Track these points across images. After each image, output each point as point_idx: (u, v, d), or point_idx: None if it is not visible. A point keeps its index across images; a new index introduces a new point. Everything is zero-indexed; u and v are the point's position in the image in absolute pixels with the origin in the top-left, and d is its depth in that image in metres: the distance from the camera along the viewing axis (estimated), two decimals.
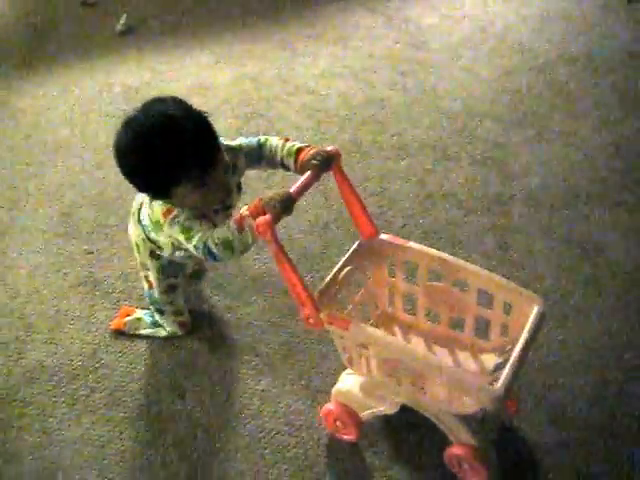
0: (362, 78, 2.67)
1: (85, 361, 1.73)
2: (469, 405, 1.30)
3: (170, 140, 1.32)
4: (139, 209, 1.57)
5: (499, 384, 1.22)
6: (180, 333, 1.76)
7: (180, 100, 1.40)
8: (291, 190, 1.32)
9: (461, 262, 1.44)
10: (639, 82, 2.62)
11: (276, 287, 1.86)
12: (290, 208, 1.29)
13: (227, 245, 1.32)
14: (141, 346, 1.76)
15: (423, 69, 2.70)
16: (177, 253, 1.54)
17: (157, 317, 1.76)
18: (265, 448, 1.55)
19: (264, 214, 1.26)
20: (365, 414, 1.48)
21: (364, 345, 1.34)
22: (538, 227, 2.05)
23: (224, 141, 1.47)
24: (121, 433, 1.58)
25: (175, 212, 1.40)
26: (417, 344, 1.51)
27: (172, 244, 1.49)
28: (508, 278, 1.83)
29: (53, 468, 1.53)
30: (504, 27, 2.95)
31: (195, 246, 1.36)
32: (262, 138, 1.50)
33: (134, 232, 1.62)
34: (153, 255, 1.61)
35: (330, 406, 1.51)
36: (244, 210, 1.30)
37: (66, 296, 1.90)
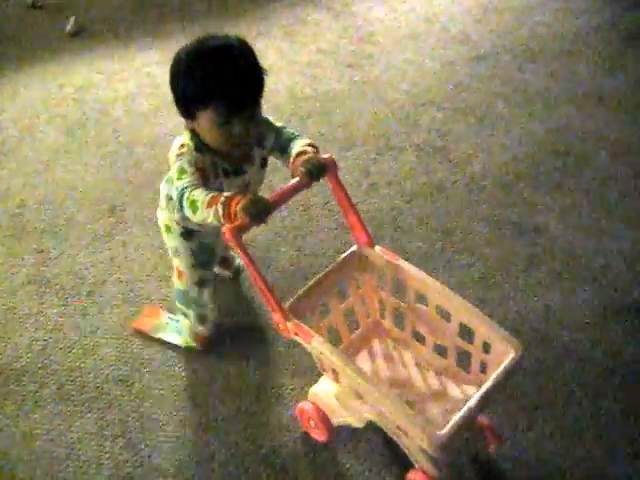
0: (308, 72, 2.71)
1: (34, 357, 1.75)
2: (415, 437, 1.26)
3: (214, 64, 1.31)
4: (166, 179, 1.56)
5: (444, 431, 1.18)
6: (196, 346, 1.73)
7: (246, 42, 1.37)
8: (270, 197, 1.28)
9: (447, 291, 1.40)
10: (578, 69, 2.70)
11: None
12: (263, 220, 1.25)
13: (193, 206, 1.29)
14: (90, 341, 1.78)
15: (369, 61, 2.75)
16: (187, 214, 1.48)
17: (178, 325, 1.74)
18: (215, 438, 1.58)
19: (235, 216, 1.24)
20: (336, 420, 1.48)
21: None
22: (480, 211, 2.11)
23: (270, 118, 1.48)
24: (70, 427, 1.61)
25: (184, 149, 1.38)
26: (407, 362, 1.50)
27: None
28: (450, 262, 1.93)
29: (2, 463, 1.55)
30: (448, 19, 3.01)
31: (177, 187, 1.33)
32: (298, 135, 1.46)
33: (164, 214, 1.59)
34: (185, 236, 1.57)
35: (305, 405, 1.52)
36: (224, 196, 1.26)
37: (15, 294, 1.91)
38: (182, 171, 1.35)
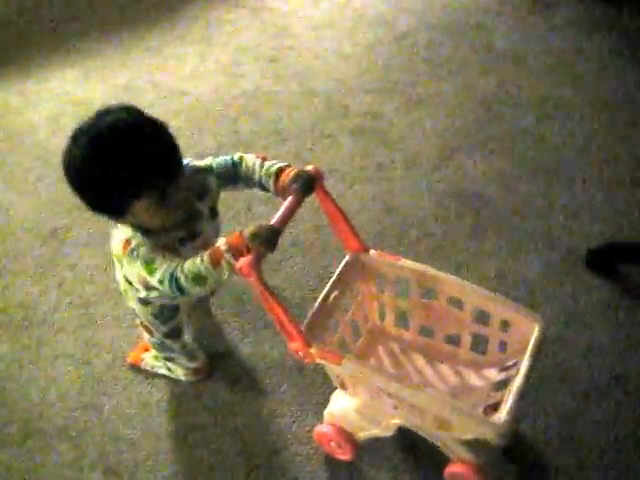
0: (232, 72, 2.68)
1: None
2: (470, 433, 1.26)
3: (129, 149, 1.18)
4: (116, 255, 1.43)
5: (503, 418, 1.16)
6: (196, 380, 1.66)
7: (133, 108, 1.26)
8: (273, 221, 1.21)
9: (456, 279, 1.40)
10: (495, 40, 2.76)
11: None
12: (275, 244, 1.18)
13: (198, 280, 1.19)
14: (50, 371, 1.73)
15: (290, 54, 2.74)
16: (152, 294, 1.40)
17: (168, 364, 1.65)
18: (196, 446, 1.56)
19: (247, 251, 1.16)
20: (361, 435, 1.44)
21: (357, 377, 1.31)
22: (421, 187, 2.14)
23: (192, 162, 1.37)
24: (42, 461, 1.55)
25: (133, 243, 1.26)
26: (418, 362, 1.48)
27: (142, 281, 1.31)
28: (400, 239, 1.96)
29: None
30: (362, 3, 3.04)
31: (160, 280, 1.22)
32: (236, 156, 1.38)
33: (120, 280, 1.47)
34: (142, 302, 1.47)
35: (323, 428, 1.47)
36: (222, 244, 1.18)
37: None
38: (150, 263, 1.23)
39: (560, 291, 1.84)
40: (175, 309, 1.53)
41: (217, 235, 1.44)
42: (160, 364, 1.68)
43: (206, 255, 1.19)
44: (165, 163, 1.23)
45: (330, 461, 1.51)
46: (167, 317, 1.52)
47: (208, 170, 1.38)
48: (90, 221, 2.07)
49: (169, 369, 1.67)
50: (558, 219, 2.03)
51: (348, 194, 2.12)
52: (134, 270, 1.27)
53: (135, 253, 1.25)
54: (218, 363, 1.71)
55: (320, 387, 1.63)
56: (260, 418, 1.60)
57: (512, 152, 2.25)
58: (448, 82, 2.56)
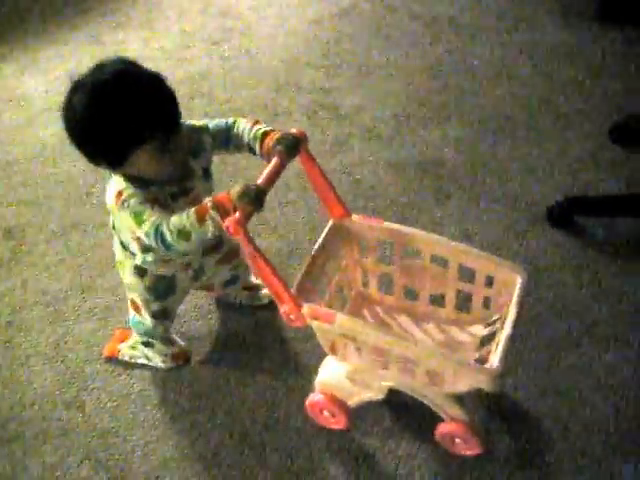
0: (177, 56, 2.64)
1: None
2: (462, 385, 1.28)
3: (133, 97, 1.19)
4: (113, 225, 1.45)
5: (496, 363, 1.19)
6: (175, 366, 1.65)
7: (131, 61, 1.26)
8: (259, 182, 1.22)
9: (439, 238, 1.41)
10: (438, 8, 2.79)
11: None
12: (262, 203, 1.19)
13: (183, 234, 1.21)
14: (24, 372, 1.68)
15: (235, 34, 2.71)
16: (148, 258, 1.41)
17: (146, 351, 1.63)
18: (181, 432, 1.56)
19: (233, 210, 1.18)
20: (353, 401, 1.44)
21: (349, 336, 1.30)
22: (380, 157, 2.16)
23: (188, 121, 1.37)
24: (26, 465, 1.51)
25: (125, 194, 1.27)
26: (404, 323, 1.48)
27: (137, 241, 1.36)
28: (365, 210, 1.98)
29: None
30: None
31: (146, 232, 1.24)
32: (231, 120, 1.39)
33: (118, 249, 1.48)
34: (138, 272, 1.47)
35: (315, 397, 1.46)
36: (208, 201, 1.20)
37: None
38: (139, 214, 1.25)
39: (525, 248, 1.88)
40: (171, 287, 1.51)
41: (210, 194, 1.41)
42: (138, 353, 1.66)
43: (192, 211, 1.20)
44: (168, 112, 1.25)
45: (323, 431, 1.52)
46: (161, 293, 1.51)
47: (204, 129, 1.38)
48: (47, 217, 2.02)
49: (147, 357, 1.65)
50: (516, 178, 2.07)
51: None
52: (125, 222, 1.30)
53: (126, 204, 1.26)
54: (197, 347, 1.70)
55: (304, 358, 1.64)
56: (247, 397, 1.60)
57: (466, 117, 2.29)
58: (396, 53, 2.58)
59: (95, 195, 2.10)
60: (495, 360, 1.20)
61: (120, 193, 1.28)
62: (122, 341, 1.68)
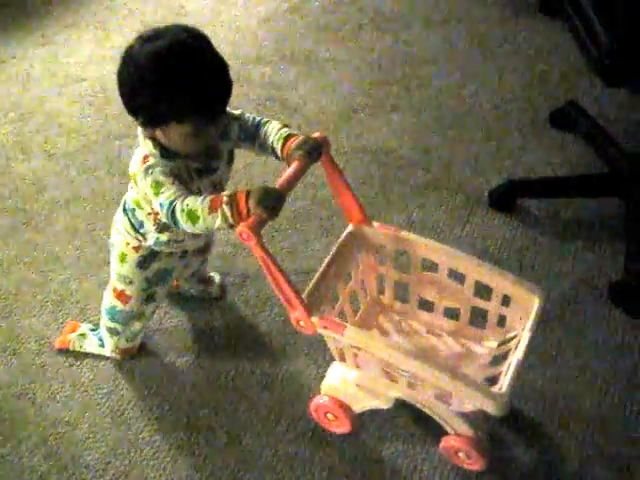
0: None
1: None
2: (469, 405, 1.29)
3: (200, 73, 1.20)
4: (124, 203, 1.45)
5: (504, 388, 1.19)
6: (120, 358, 1.67)
7: (206, 36, 1.27)
8: (278, 185, 1.19)
9: (457, 252, 1.40)
10: (383, 3, 2.84)
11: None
12: (279, 211, 1.16)
13: (192, 216, 1.19)
14: None
15: None
16: (162, 237, 1.41)
17: (105, 337, 1.63)
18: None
19: (247, 214, 1.15)
20: (358, 407, 1.44)
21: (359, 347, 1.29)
22: None
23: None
24: None
25: (151, 161, 1.26)
26: (420, 331, 1.49)
27: (152, 217, 1.36)
28: (312, 200, 2.02)
29: None
30: None
31: (161, 203, 1.23)
32: (264, 119, 1.38)
33: (121, 240, 1.48)
34: (141, 265, 1.48)
35: (320, 400, 1.46)
36: (225, 195, 1.18)
37: None
38: (159, 184, 1.24)
39: (468, 232, 1.94)
40: (168, 276, 1.54)
41: (228, 180, 1.45)
42: (89, 340, 1.68)
43: (208, 199, 1.19)
44: (223, 99, 1.25)
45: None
46: (158, 282, 1.54)
47: (234, 116, 1.37)
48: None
49: (100, 343, 1.67)
50: (460, 164, 2.14)
51: (256, 163, 2.16)
52: (143, 191, 1.29)
53: (150, 170, 1.25)
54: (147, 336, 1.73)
55: (255, 339, 1.68)
56: (197, 383, 1.64)
57: (411, 106, 2.35)
58: (344, 47, 2.63)
59: (48, 189, 2.12)
60: (504, 385, 1.19)
61: (146, 158, 1.27)
62: (72, 332, 1.71)
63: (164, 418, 1.58)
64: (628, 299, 1.73)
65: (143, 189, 1.29)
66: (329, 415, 1.48)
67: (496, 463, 1.45)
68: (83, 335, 1.69)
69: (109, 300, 1.58)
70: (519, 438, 1.50)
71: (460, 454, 1.40)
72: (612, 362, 1.64)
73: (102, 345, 1.67)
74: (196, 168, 1.32)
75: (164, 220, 1.28)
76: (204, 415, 1.58)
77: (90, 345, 1.69)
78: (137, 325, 1.61)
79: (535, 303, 1.31)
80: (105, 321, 1.62)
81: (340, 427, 1.49)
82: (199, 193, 1.28)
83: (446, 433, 1.40)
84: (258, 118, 1.38)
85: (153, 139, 1.29)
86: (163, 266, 1.51)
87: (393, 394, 1.38)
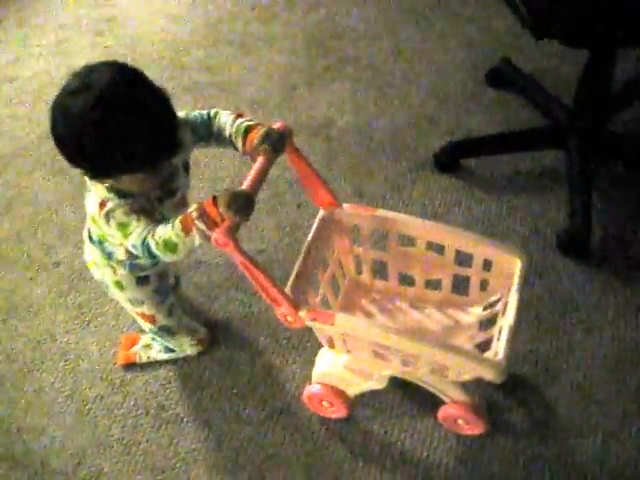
0: (60, 50, 2.60)
1: None
2: (466, 375, 1.28)
3: (143, 117, 1.09)
4: (89, 236, 1.37)
5: (501, 356, 1.18)
6: (197, 352, 1.62)
7: (137, 69, 1.14)
8: (245, 186, 1.14)
9: (435, 224, 1.40)
10: None
11: None
12: (251, 211, 1.12)
13: (169, 246, 1.15)
14: None
15: (115, 24, 2.68)
16: (138, 261, 1.35)
17: (169, 343, 1.59)
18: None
19: (220, 220, 1.10)
20: (353, 391, 1.43)
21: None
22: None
23: None
24: None
25: (109, 206, 1.18)
26: (403, 308, 1.47)
27: (123, 248, 1.29)
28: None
29: None
30: None
31: (134, 245, 1.18)
32: (212, 111, 1.29)
33: (106, 271, 1.40)
34: (140, 282, 1.42)
35: (313, 389, 1.45)
36: (194, 210, 1.12)
37: None
38: (124, 226, 1.18)
39: (416, 196, 1.96)
40: (167, 277, 1.50)
41: (188, 188, 1.37)
42: (155, 348, 1.63)
43: (177, 222, 1.14)
44: (172, 142, 1.16)
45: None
46: (165, 291, 1.48)
47: (183, 122, 1.26)
48: None
49: (171, 349, 1.62)
50: (402, 131, 2.15)
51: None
52: (107, 231, 1.22)
53: (111, 215, 1.19)
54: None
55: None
56: (158, 376, 1.63)
57: (349, 79, 2.34)
58: (277, 24, 2.60)
59: None
60: (500, 351, 1.19)
61: (103, 203, 1.19)
62: (133, 345, 1.65)
63: (129, 415, 1.57)
64: (575, 246, 1.77)
65: (109, 232, 1.23)
66: (324, 403, 1.46)
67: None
68: (148, 346, 1.64)
69: (143, 325, 1.55)
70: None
71: (460, 421, 1.41)
72: (562, 309, 1.68)
73: (167, 350, 1.62)
74: (156, 196, 1.25)
75: (143, 260, 1.26)
76: (169, 407, 1.57)
77: (158, 353, 1.64)
78: (181, 328, 1.57)
79: (517, 264, 1.31)
80: (155, 337, 1.59)
81: (337, 412, 1.48)
82: (164, 219, 1.20)
83: (442, 403, 1.41)
84: (205, 112, 1.30)
85: (105, 185, 1.20)
86: (159, 270, 1.45)
87: (387, 373, 1.38)
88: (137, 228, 1.17)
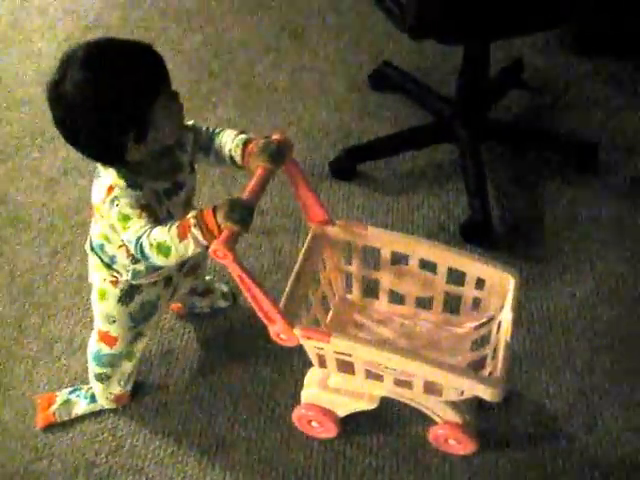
0: None
1: None
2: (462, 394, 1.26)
3: (131, 57, 1.15)
4: (90, 242, 1.36)
5: (499, 376, 1.17)
6: (111, 407, 1.56)
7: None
8: (245, 196, 1.14)
9: (427, 242, 1.38)
10: None
11: None
12: (250, 222, 1.11)
13: (163, 249, 1.14)
14: None
15: None
16: (139, 267, 1.32)
17: (95, 386, 1.51)
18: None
19: (218, 231, 1.09)
20: (342, 411, 1.41)
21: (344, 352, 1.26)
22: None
23: None
24: None
25: (116, 191, 1.18)
26: (397, 326, 1.45)
27: (125, 249, 1.28)
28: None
29: None
30: None
31: (128, 240, 1.17)
32: (218, 129, 1.30)
33: (98, 276, 1.37)
34: (122, 300, 1.37)
35: (302, 410, 1.42)
36: (192, 216, 1.12)
37: None
38: (125, 218, 1.17)
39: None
40: (154, 309, 1.44)
41: (194, 191, 1.37)
42: (75, 404, 1.56)
43: (174, 226, 1.14)
44: (164, 66, 1.21)
45: None
46: (144, 317, 1.43)
47: (189, 128, 1.31)
48: None
49: (88, 400, 1.56)
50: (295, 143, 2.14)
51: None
52: (109, 217, 1.21)
53: (116, 201, 1.18)
54: None
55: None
56: (81, 436, 1.54)
57: (234, 98, 2.38)
58: (194, 35, 2.62)
59: None
60: (498, 370, 1.18)
61: (112, 188, 1.19)
62: (50, 404, 1.57)
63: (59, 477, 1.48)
64: (478, 234, 1.81)
65: (110, 220, 1.22)
66: (313, 423, 1.45)
67: None
68: (67, 402, 1.56)
69: (94, 345, 1.48)
70: None
71: (451, 441, 1.40)
72: None
73: (93, 399, 1.56)
74: (164, 189, 1.26)
75: (142, 266, 1.28)
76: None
77: (79, 407, 1.57)
78: (128, 365, 1.50)
79: (511, 283, 1.30)
80: (93, 368, 1.51)
81: (326, 433, 1.46)
82: (170, 217, 1.23)
83: (433, 423, 1.40)
84: (212, 128, 1.32)
85: (118, 169, 1.21)
86: (147, 298, 1.40)
87: (378, 393, 1.36)
88: (136, 224, 1.17)
